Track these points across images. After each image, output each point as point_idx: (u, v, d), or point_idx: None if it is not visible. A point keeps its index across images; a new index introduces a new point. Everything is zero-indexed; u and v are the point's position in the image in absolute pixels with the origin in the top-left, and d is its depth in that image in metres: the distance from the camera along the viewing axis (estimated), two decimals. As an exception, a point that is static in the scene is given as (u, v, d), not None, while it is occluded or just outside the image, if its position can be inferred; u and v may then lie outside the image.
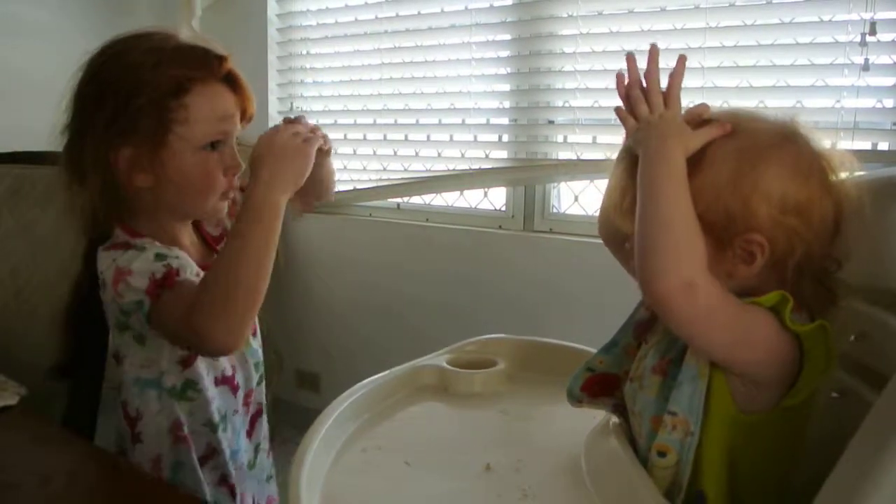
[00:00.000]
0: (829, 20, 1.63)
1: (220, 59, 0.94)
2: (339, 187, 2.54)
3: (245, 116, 0.98)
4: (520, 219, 2.13)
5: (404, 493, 0.73)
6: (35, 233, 1.23)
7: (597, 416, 0.82)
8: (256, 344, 1.05)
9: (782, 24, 1.67)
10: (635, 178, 0.72)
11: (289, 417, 2.54)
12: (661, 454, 0.67)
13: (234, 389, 1.01)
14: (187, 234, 1.02)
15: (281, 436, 2.50)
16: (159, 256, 0.89)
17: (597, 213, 2.02)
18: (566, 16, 1.96)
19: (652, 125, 0.72)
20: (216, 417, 0.97)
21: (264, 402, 1.09)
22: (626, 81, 0.77)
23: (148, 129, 0.88)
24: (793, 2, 1.67)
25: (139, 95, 0.87)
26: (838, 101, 1.61)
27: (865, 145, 1.61)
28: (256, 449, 1.08)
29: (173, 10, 2.55)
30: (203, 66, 0.92)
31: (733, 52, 1.72)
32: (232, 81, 0.95)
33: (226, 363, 1.00)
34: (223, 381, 0.99)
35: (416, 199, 2.37)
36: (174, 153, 0.90)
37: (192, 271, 0.90)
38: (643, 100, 0.75)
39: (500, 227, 2.16)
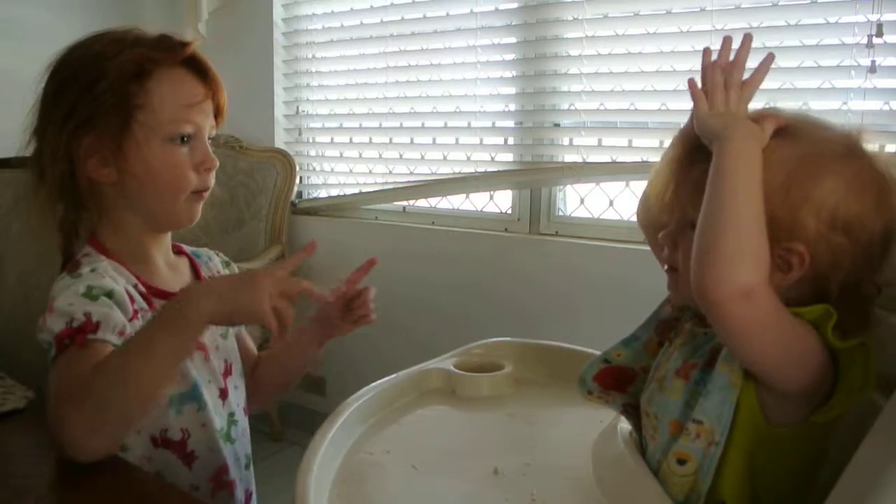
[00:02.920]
0: (836, 22, 1.63)
1: (183, 43, 0.89)
2: (344, 190, 2.56)
3: (219, 112, 0.93)
4: (526, 222, 2.13)
5: (412, 497, 0.73)
6: (42, 239, 1.24)
7: (604, 420, 0.82)
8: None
9: (788, 26, 1.67)
10: (685, 168, 0.70)
11: (295, 421, 2.55)
12: (681, 462, 0.65)
13: (189, 458, 0.89)
14: (161, 253, 0.95)
15: (287, 439, 2.51)
16: (88, 296, 0.79)
17: (603, 216, 2.03)
18: (571, 19, 1.96)
19: (730, 118, 0.68)
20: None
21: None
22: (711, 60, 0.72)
23: (108, 116, 0.84)
24: (799, 4, 1.67)
25: (99, 81, 0.84)
26: (845, 104, 1.61)
27: (872, 148, 1.60)
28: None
29: (179, 13, 2.56)
30: (163, 48, 0.87)
31: (739, 55, 1.72)
32: (198, 68, 0.90)
33: None
34: (163, 440, 0.88)
35: (422, 203, 2.37)
36: (138, 144, 0.86)
37: (115, 328, 0.79)
38: (723, 87, 0.70)
39: (505, 229, 2.16)
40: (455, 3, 2.18)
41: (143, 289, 0.89)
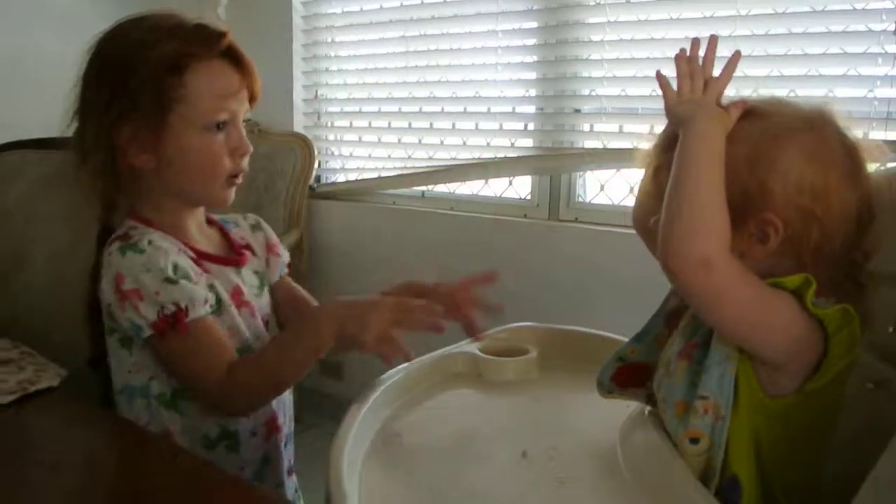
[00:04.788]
0: (862, 8, 1.61)
1: (220, 34, 0.91)
2: (363, 175, 2.56)
3: (252, 97, 0.96)
4: (545, 208, 2.13)
5: (442, 478, 0.74)
6: (74, 220, 1.25)
7: (630, 405, 0.82)
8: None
9: (814, 12, 1.65)
10: (665, 152, 0.73)
11: (312, 405, 2.56)
12: (694, 440, 0.67)
13: None
14: (195, 223, 0.99)
15: (304, 423, 2.52)
16: (168, 281, 0.86)
17: (623, 203, 2.03)
18: (594, 4, 1.95)
19: (695, 103, 0.72)
20: (214, 433, 0.93)
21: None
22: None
23: (147, 108, 0.87)
24: (825, -10, 1.65)
25: (137, 73, 0.87)
26: (871, 91, 1.59)
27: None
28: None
29: (200, -3, 2.56)
30: (200, 41, 0.90)
31: (764, 41, 1.70)
32: (234, 58, 0.93)
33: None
34: None
35: (441, 188, 2.37)
36: (175, 133, 0.89)
37: (201, 302, 0.88)
38: (690, 76, 0.75)
39: (524, 215, 2.16)
40: (476, -13, 2.17)
41: (191, 254, 0.93)
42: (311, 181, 2.52)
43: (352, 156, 2.61)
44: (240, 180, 0.96)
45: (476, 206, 2.28)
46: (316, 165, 2.54)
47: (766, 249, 0.68)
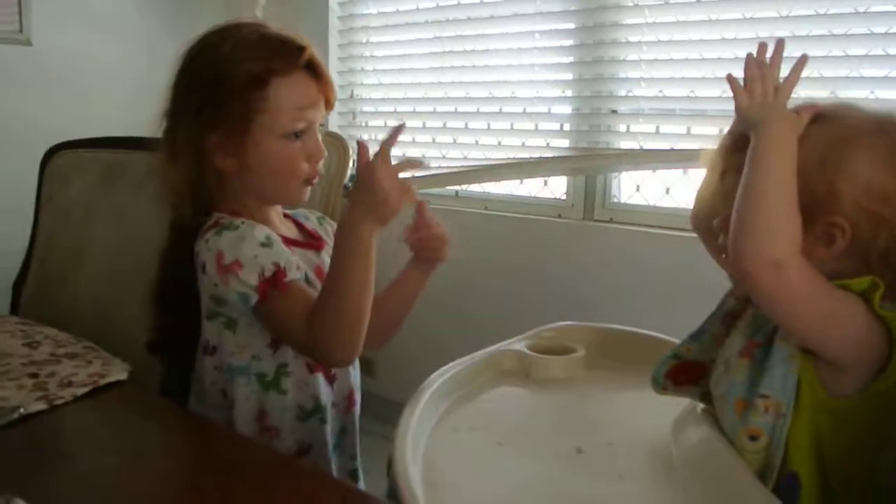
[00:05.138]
0: (906, 10, 1.60)
1: (301, 49, 0.97)
2: (397, 174, 2.58)
3: (328, 104, 1.02)
4: (580, 208, 2.14)
5: (501, 472, 0.76)
6: (128, 218, 1.28)
7: (680, 403, 0.83)
8: None
9: (857, 13, 1.64)
10: (732, 155, 0.74)
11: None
12: (753, 438, 0.68)
13: (331, 380, 1.03)
14: (276, 215, 1.06)
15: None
16: (264, 245, 0.92)
17: (658, 204, 2.03)
18: (632, 5, 1.96)
19: (767, 107, 0.74)
20: (309, 405, 0.99)
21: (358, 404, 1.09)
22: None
23: (232, 118, 0.94)
24: (868, -9, 1.64)
25: (223, 86, 0.94)
26: (914, 93, 1.59)
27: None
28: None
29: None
30: (283, 56, 0.96)
31: (805, 42, 1.70)
32: (313, 70, 0.99)
33: None
34: (317, 367, 1.00)
35: (475, 187, 2.38)
36: (257, 141, 0.95)
37: (294, 266, 0.94)
38: (761, 80, 0.75)
39: (559, 215, 2.17)
40: (512, -11, 2.18)
41: (278, 237, 0.97)
42: (346, 180, 2.55)
43: (386, 155, 2.64)
44: (315, 181, 1.03)
45: (510, 206, 2.29)
46: (351, 165, 2.56)
47: (830, 252, 0.68)
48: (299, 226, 1.11)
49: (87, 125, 1.67)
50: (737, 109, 0.76)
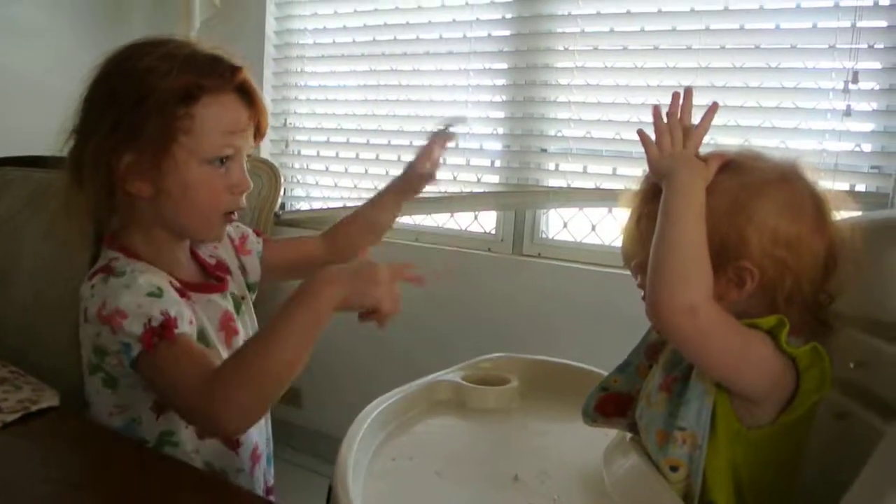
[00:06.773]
0: (814, 67, 1.72)
1: (234, 69, 0.90)
2: (329, 204, 2.58)
3: (259, 132, 0.95)
4: (509, 242, 2.19)
5: (440, 501, 0.77)
6: (56, 239, 1.24)
7: (610, 433, 0.87)
8: None
9: (770, 68, 1.76)
10: (649, 202, 0.79)
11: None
12: (674, 468, 0.73)
13: (235, 444, 0.94)
14: (183, 255, 0.98)
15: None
16: (152, 295, 0.83)
17: (585, 241, 2.09)
18: (562, 49, 2.04)
19: (676, 158, 0.78)
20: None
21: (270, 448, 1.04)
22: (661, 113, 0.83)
23: (152, 136, 0.85)
24: (780, 48, 1.76)
25: (146, 100, 0.84)
26: (820, 144, 1.70)
27: (844, 187, 1.70)
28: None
29: (172, 20, 2.56)
30: (215, 74, 0.88)
31: (722, 93, 1.80)
32: (246, 93, 0.91)
33: None
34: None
35: (406, 219, 2.40)
36: (177, 164, 0.87)
37: (187, 319, 0.85)
38: (669, 132, 0.81)
39: (489, 249, 2.21)
40: (448, 28, 2.23)
41: (177, 284, 0.90)
42: (277, 208, 2.53)
43: (318, 184, 2.64)
44: (235, 217, 0.95)
45: (441, 239, 2.32)
46: (282, 192, 2.55)
47: (741, 294, 0.74)
48: (203, 264, 1.02)
49: (9, 142, 1.60)
50: (648, 162, 0.81)
